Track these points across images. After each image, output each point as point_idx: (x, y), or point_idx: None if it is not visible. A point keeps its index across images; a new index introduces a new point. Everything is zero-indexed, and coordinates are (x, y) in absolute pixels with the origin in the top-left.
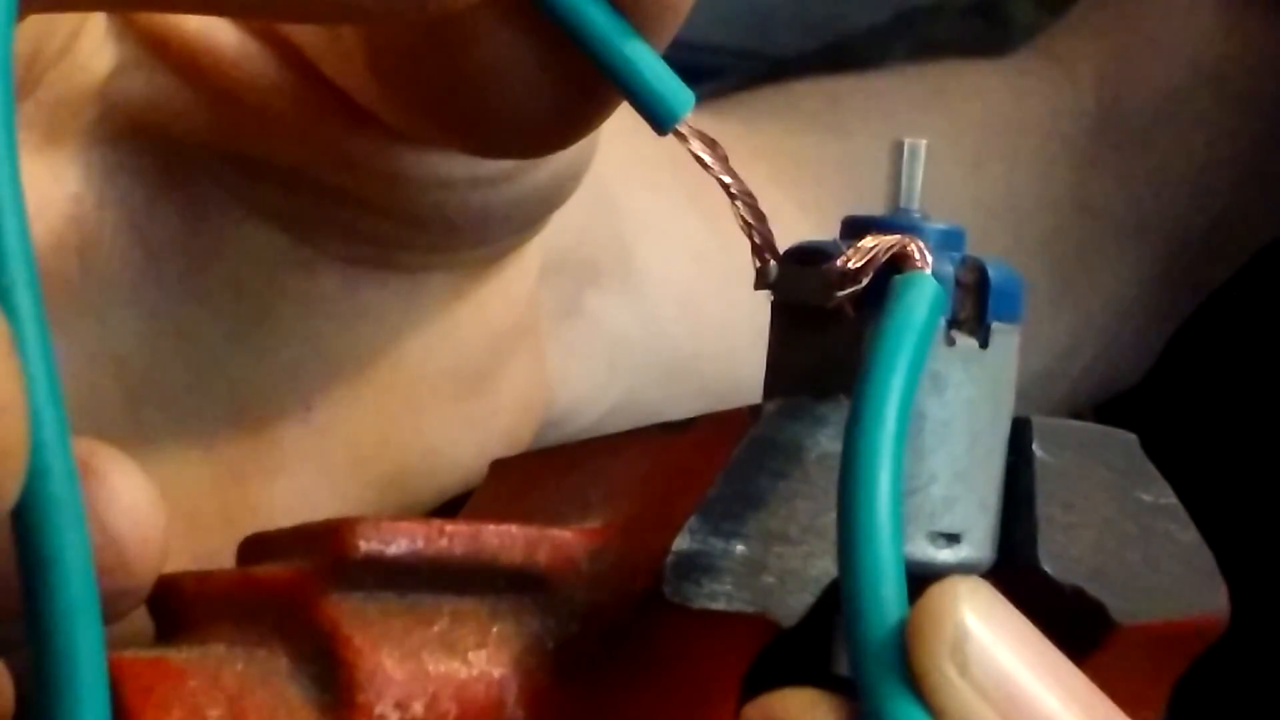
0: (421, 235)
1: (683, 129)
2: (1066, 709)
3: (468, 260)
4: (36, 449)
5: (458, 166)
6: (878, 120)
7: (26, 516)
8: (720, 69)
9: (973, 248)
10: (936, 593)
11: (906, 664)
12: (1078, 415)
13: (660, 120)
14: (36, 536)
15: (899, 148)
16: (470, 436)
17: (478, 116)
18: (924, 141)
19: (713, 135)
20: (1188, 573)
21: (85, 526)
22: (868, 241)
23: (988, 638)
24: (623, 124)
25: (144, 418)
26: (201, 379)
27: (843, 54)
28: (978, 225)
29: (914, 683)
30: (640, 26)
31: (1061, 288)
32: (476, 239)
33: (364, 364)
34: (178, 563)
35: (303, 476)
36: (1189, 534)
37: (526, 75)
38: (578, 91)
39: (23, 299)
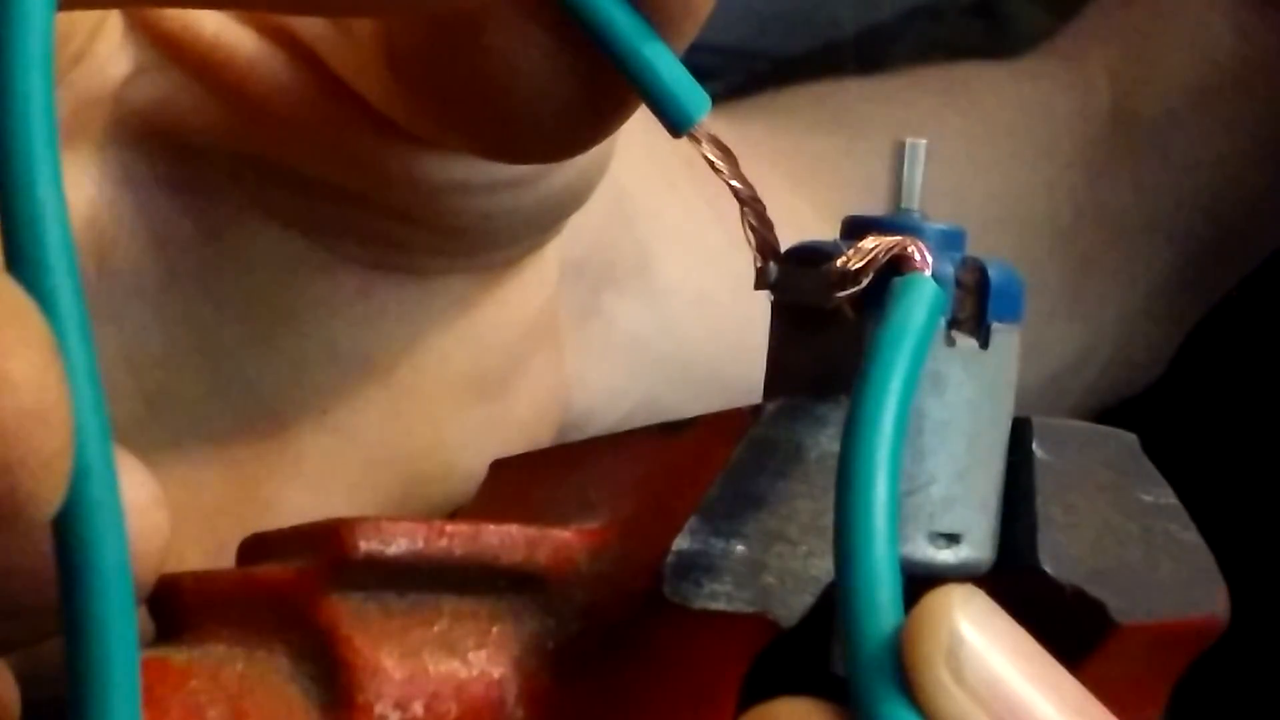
0: (439, 239)
1: (696, 132)
2: (1061, 715)
3: (486, 263)
4: (80, 451)
5: (475, 170)
6: (894, 121)
7: (66, 520)
8: (723, 69)
9: (984, 250)
10: (931, 600)
11: (901, 670)
12: (1082, 416)
13: (676, 123)
14: (76, 541)
15: (900, 148)
16: (488, 440)
17: (496, 120)
18: (924, 141)
19: (732, 137)
20: (1188, 573)
21: (125, 532)
22: (868, 242)
23: (982, 644)
24: (638, 125)
25: (160, 420)
26: (217, 382)
27: (843, 54)
28: (990, 227)
29: (909, 689)
30: (661, 28)
31: (1074, 290)
32: (495, 243)
33: (381, 367)
34: (190, 565)
35: (318, 480)
36: (1189, 534)
37: (546, 77)
38: (598, 94)
39: (66, 304)
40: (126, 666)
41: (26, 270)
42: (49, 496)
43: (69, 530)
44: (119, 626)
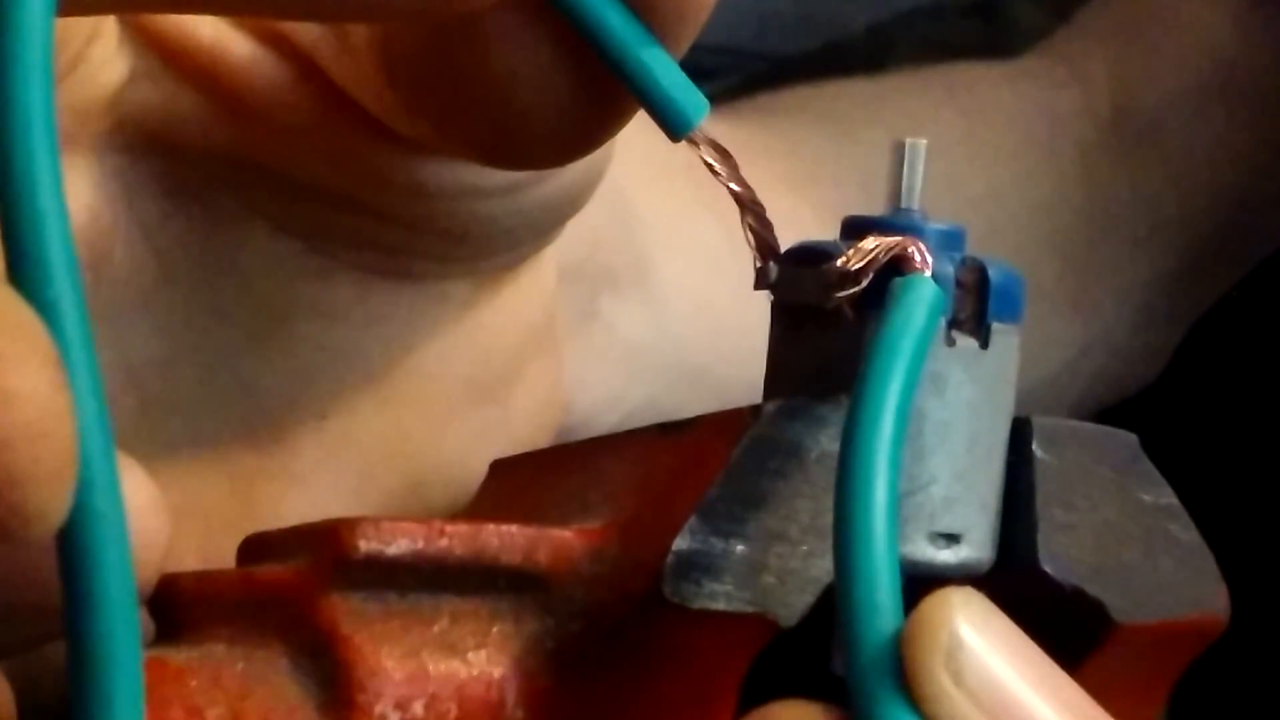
0: (436, 244)
1: (695, 136)
2: (1059, 717)
3: (484, 268)
4: (83, 464)
5: (473, 176)
6: (893, 121)
7: (70, 532)
8: (721, 69)
9: (984, 249)
10: (931, 602)
11: (901, 672)
12: (1081, 416)
13: (675, 127)
14: (80, 553)
15: (899, 148)
16: (487, 444)
17: (494, 125)
18: (924, 141)
19: (730, 137)
20: (1188, 573)
21: (129, 543)
22: (868, 243)
23: (982, 647)
24: (636, 128)
25: (158, 427)
26: (215, 388)
27: (843, 54)
28: (990, 226)
29: (908, 691)
30: (658, 32)
31: (1074, 289)
32: (492, 247)
33: (379, 372)
34: (188, 569)
35: (317, 485)
36: (1189, 534)
37: (544, 82)
38: (596, 99)
39: (69, 315)
40: (130, 678)
41: (28, 281)
42: (53, 511)
43: (73, 542)
44: (122, 637)
